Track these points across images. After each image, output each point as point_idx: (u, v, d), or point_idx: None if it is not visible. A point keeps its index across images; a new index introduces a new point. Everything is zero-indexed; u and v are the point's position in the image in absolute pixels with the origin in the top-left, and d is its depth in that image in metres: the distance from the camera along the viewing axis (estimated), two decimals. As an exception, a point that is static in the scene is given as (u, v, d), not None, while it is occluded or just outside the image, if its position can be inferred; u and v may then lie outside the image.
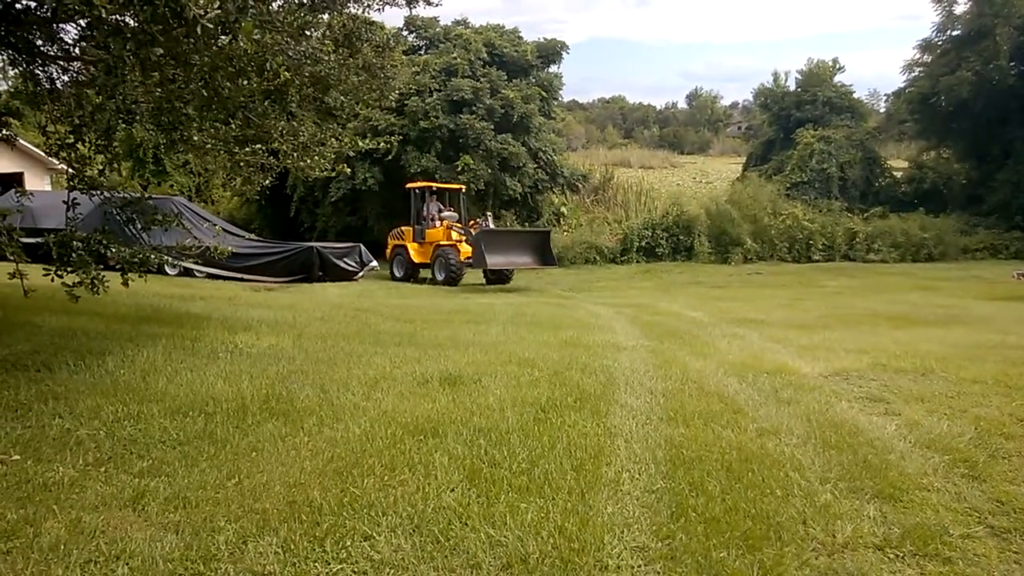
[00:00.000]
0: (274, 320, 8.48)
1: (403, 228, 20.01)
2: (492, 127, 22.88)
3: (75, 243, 4.90)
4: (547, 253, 18.23)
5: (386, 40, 5.61)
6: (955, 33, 30.41)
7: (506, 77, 24.43)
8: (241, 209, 31.45)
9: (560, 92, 27.35)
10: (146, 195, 6.15)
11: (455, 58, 23.90)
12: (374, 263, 19.46)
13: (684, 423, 4.59)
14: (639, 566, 2.81)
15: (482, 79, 23.62)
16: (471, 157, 22.74)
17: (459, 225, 18.65)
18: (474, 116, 22.81)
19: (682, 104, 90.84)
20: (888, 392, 5.68)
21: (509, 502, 3.24)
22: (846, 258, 28.10)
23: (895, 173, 33.49)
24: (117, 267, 5.63)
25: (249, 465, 3.49)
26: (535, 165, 25.16)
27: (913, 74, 33.15)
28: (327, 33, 4.88)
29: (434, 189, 19.84)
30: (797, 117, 33.55)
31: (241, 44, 3.15)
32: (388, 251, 20.25)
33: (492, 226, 18.52)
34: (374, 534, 2.88)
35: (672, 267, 24.91)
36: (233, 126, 5.25)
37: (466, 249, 17.71)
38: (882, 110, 39.50)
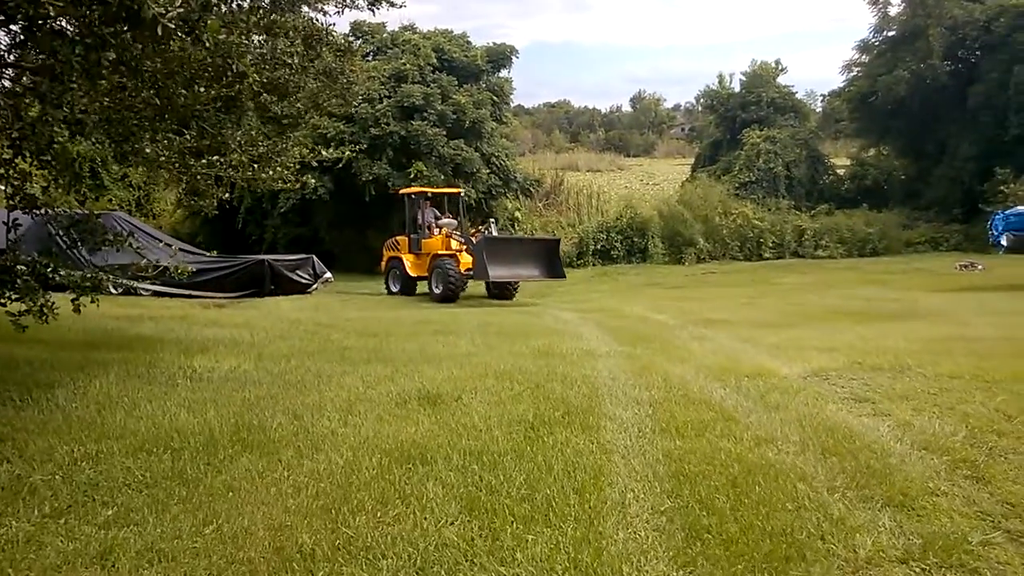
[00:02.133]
0: (231, 340, 8.09)
1: (398, 238, 18.36)
2: (444, 133, 22.61)
3: (19, 267, 4.49)
4: (555, 264, 16.63)
5: (348, 44, 5.33)
6: (890, 34, 31.42)
7: (456, 82, 24.22)
8: (185, 223, 30.42)
9: (511, 97, 27.25)
10: (88, 211, 5.73)
11: (404, 64, 23.58)
12: (328, 275, 18.88)
13: (678, 435, 4.43)
14: (664, 599, 2.62)
15: (432, 85, 23.36)
16: (424, 164, 22.44)
17: (459, 233, 16.92)
18: (426, 122, 22.52)
19: (626, 107, 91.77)
20: (871, 391, 5.64)
21: (514, 534, 3.02)
22: (795, 255, 28.68)
23: (838, 171, 34.37)
24: (64, 288, 5.21)
25: (227, 507, 3.18)
26: (488, 171, 24.99)
27: (852, 74, 34.14)
28: (290, 35, 4.58)
29: (430, 194, 18.35)
30: (743, 118, 34.13)
31: (205, 45, 2.87)
32: (383, 264, 18.66)
33: (495, 234, 16.93)
34: (375, 581, 2.63)
35: (628, 269, 25.02)
36: (187, 137, 4.90)
37: (467, 260, 16.01)
38: (818, 109, 40.51)
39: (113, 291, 15.37)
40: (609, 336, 9.22)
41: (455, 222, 17.57)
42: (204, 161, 4.99)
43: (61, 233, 5.23)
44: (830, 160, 34.72)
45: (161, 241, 14.89)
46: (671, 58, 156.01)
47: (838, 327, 10.57)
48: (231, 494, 3.33)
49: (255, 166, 5.22)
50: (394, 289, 17.95)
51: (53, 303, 4.74)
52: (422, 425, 4.46)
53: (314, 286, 18.22)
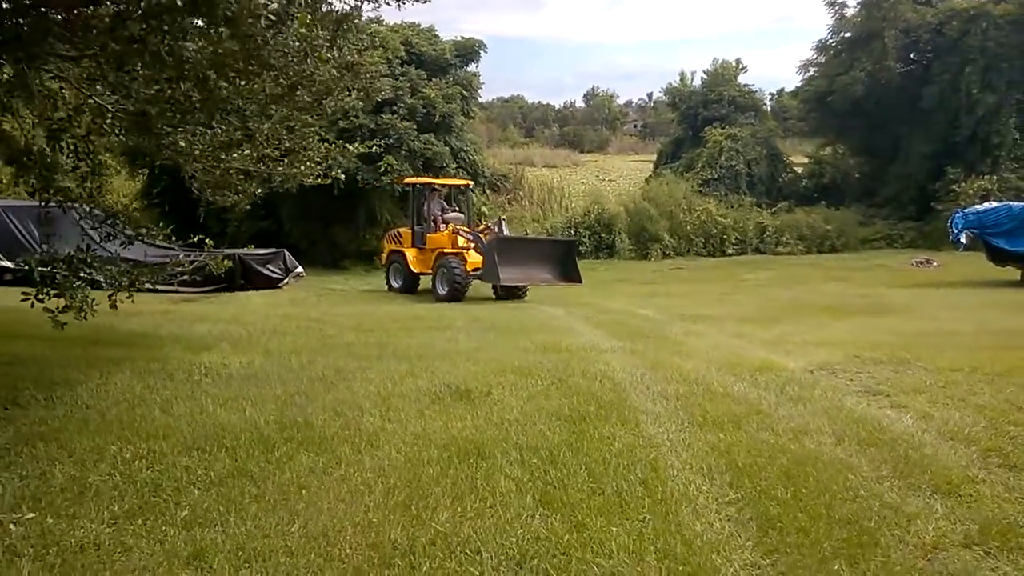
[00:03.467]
0: (227, 335, 7.94)
1: (400, 230, 16.94)
2: (415, 127, 22.43)
3: (57, 263, 4.35)
4: (571, 267, 15.31)
5: (371, 40, 5.25)
6: (847, 35, 32.20)
7: (425, 76, 24.02)
8: (141, 216, 29.62)
9: (479, 91, 27.17)
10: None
11: (373, 56, 23.27)
12: (300, 269, 18.54)
13: (717, 428, 4.53)
14: (763, 587, 2.70)
15: (401, 78, 23.11)
16: (394, 157, 22.21)
17: (467, 229, 15.52)
18: (395, 116, 22.29)
19: (580, 103, 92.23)
20: (882, 385, 5.84)
21: (598, 526, 3.06)
22: (757, 251, 29.28)
23: (796, 169, 35.19)
24: (94, 284, 5.06)
25: (303, 505, 3.16)
26: (456, 165, 24.87)
27: (808, 73, 34.93)
28: (323, 22, 4.47)
29: (436, 186, 16.91)
30: (705, 116, 34.65)
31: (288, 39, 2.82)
32: (383, 257, 17.34)
33: (506, 232, 15.49)
34: None
35: (597, 264, 25.18)
36: (218, 130, 4.79)
37: (475, 259, 14.67)
38: (767, 108, 41.39)
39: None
40: (602, 331, 9.31)
41: (462, 216, 16.48)
42: (235, 155, 4.89)
43: (95, 227, 5.06)
44: (788, 158, 35.51)
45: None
46: (622, 54, 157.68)
47: (819, 322, 10.88)
48: (304, 491, 3.30)
49: (285, 160, 5.14)
50: (395, 285, 16.64)
51: (93, 299, 4.59)
52: (466, 420, 4.47)
53: (285, 281, 17.93)
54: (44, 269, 4.37)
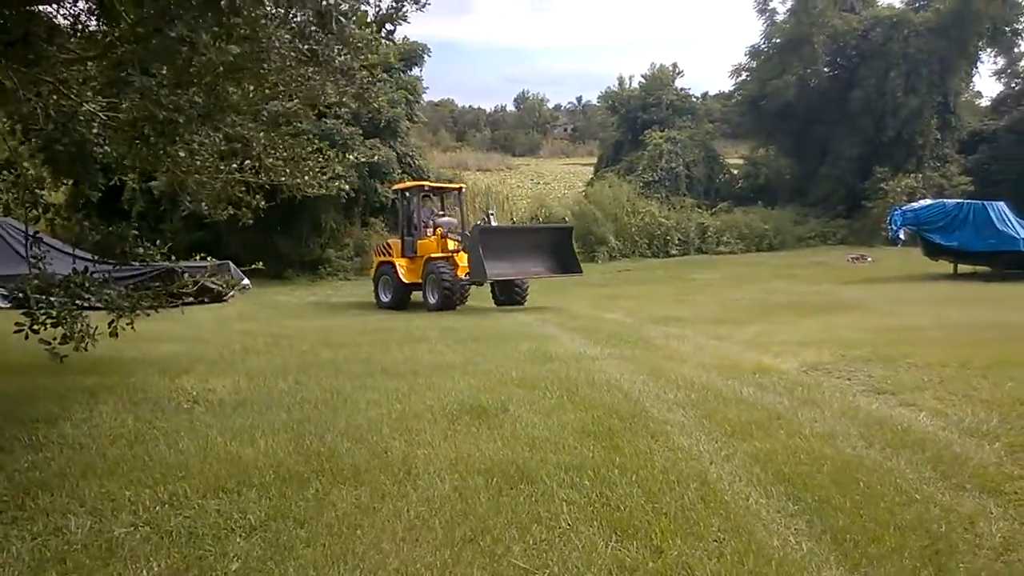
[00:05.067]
0: (198, 356, 7.54)
1: (389, 241, 15.98)
2: (360, 132, 21.97)
3: (52, 288, 3.95)
4: (569, 257, 14.11)
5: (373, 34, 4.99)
6: (777, 40, 33.27)
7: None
8: (68, 228, 28.11)
9: (423, 95, 26.86)
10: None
11: (314, 61, 22.72)
12: (246, 281, 17.86)
13: (747, 436, 4.47)
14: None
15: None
16: (340, 164, 21.70)
17: (457, 234, 14.35)
18: (340, 120, 21.80)
19: (511, 107, 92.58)
20: (883, 384, 5.91)
21: (678, 551, 2.94)
22: (699, 251, 29.92)
23: (732, 170, 36.14)
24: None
25: (364, 548, 2.91)
26: (401, 171, 24.52)
27: (741, 78, 35.94)
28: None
29: (427, 189, 15.76)
30: (644, 119, 35.25)
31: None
32: (373, 271, 16.20)
33: (494, 224, 14.33)
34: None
35: (546, 268, 25.20)
36: (216, 139, 4.46)
37: (467, 263, 13.61)
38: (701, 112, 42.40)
39: (2, 304, 13.99)
40: (582, 337, 9.21)
41: (455, 221, 15.05)
42: (234, 165, 4.57)
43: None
44: (725, 160, 36.43)
45: (61, 250, 13.64)
46: (548, 59, 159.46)
47: (787, 320, 11.09)
48: (358, 531, 3.06)
49: (287, 170, 4.83)
50: (384, 299, 15.29)
51: (95, 328, 4.19)
52: (495, 441, 4.28)
53: (230, 294, 17.25)
54: (40, 296, 3.96)
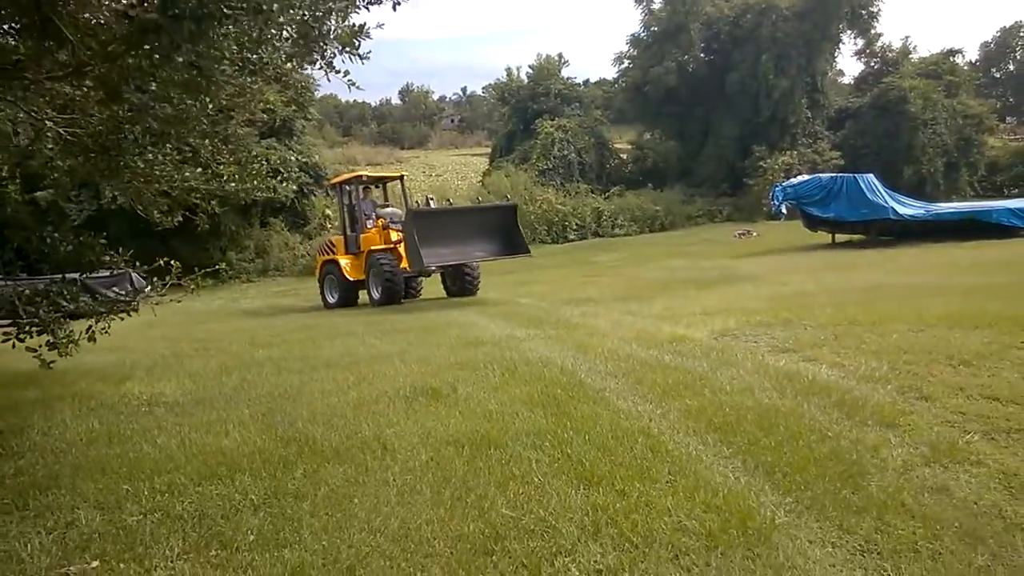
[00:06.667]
0: (130, 363, 7.58)
1: (332, 239, 15.49)
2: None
3: (36, 297, 3.91)
4: (515, 236, 13.28)
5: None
6: (656, 29, 34.74)
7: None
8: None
9: (314, 93, 26.39)
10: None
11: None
12: (149, 288, 17.22)
13: (676, 396, 4.94)
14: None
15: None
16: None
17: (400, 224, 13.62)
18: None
19: (396, 100, 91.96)
20: (785, 343, 6.56)
21: (639, 491, 3.34)
22: (596, 235, 30.98)
23: (621, 155, 37.51)
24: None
25: (365, 513, 3.17)
26: (299, 170, 24.12)
27: (624, 65, 37.30)
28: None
29: (365, 178, 15.15)
30: (534, 109, 35.99)
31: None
32: (318, 271, 15.63)
33: (433, 207, 13.73)
34: None
35: (451, 259, 25.47)
36: (168, 148, 4.46)
37: None
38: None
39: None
40: (503, 321, 9.59)
41: (399, 212, 14.33)
42: (187, 174, 4.60)
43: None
44: (614, 145, 37.75)
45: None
46: (425, 51, 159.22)
47: (689, 294, 11.86)
48: (355, 500, 3.30)
49: (236, 176, 4.87)
50: (331, 300, 14.84)
51: (77, 336, 4.19)
52: (455, 417, 4.59)
53: (134, 303, 16.57)
54: (29, 307, 3.94)
